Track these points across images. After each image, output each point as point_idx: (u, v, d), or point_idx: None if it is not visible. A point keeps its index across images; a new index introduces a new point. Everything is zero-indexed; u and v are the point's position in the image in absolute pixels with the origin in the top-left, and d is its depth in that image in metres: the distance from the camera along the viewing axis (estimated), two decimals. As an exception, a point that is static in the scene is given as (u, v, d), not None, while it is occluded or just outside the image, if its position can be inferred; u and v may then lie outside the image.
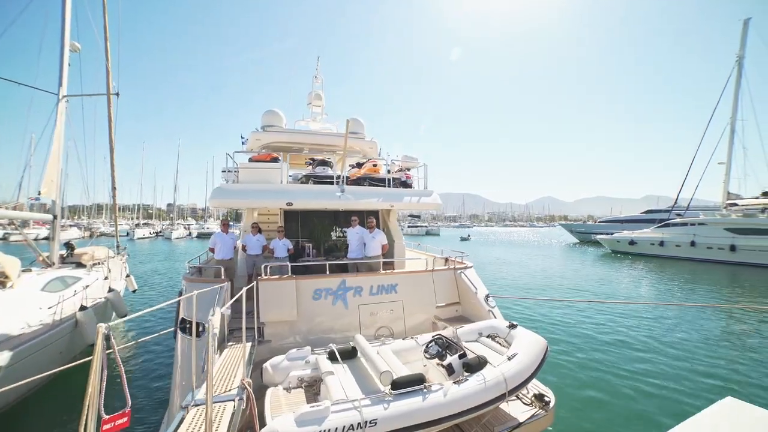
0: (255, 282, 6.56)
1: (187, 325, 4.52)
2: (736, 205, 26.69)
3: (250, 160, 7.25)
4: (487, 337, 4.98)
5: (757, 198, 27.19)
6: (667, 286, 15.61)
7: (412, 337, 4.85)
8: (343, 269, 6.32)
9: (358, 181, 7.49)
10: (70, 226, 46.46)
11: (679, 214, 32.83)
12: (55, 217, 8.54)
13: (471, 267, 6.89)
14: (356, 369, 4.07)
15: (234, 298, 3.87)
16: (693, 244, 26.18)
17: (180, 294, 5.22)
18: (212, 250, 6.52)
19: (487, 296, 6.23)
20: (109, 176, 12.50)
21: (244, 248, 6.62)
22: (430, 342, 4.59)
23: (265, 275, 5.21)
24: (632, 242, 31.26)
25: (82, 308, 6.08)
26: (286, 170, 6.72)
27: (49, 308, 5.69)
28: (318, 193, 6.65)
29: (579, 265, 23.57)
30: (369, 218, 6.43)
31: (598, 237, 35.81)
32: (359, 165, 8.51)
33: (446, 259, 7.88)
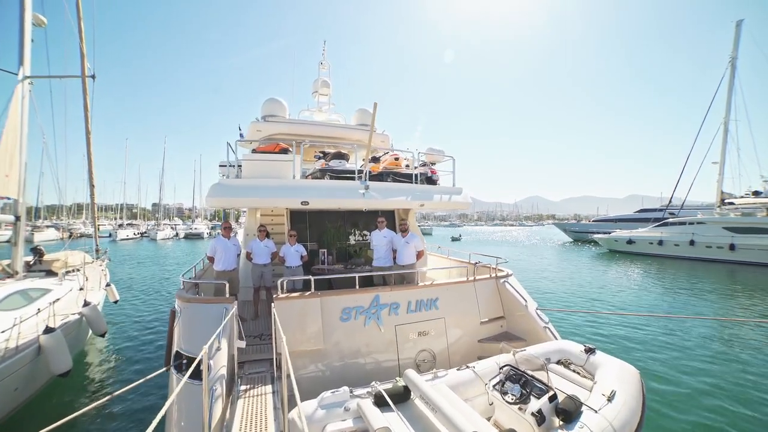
0: (266, 298, 5.50)
1: (184, 362, 3.45)
2: (732, 204, 26.81)
3: (254, 151, 6.18)
4: (558, 363, 4.09)
5: (745, 196, 27.43)
6: (688, 290, 15.11)
7: (467, 366, 3.92)
8: (367, 281, 5.34)
9: (378, 177, 6.49)
10: (47, 226, 43.89)
11: (672, 213, 33.12)
12: (17, 218, 7.24)
13: (512, 274, 6.01)
14: (415, 419, 3.10)
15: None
16: (692, 243, 26.17)
17: (173, 317, 4.13)
18: (211, 259, 5.40)
19: (537, 310, 5.36)
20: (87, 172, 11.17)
21: (249, 256, 5.55)
22: (498, 375, 3.67)
23: (282, 291, 4.17)
24: (630, 241, 31.25)
25: (48, 330, 4.89)
26: (299, 163, 5.65)
27: (1, 333, 4.50)
28: (337, 189, 5.62)
29: (587, 267, 23.10)
30: (402, 221, 5.44)
31: (595, 236, 35.86)
32: (375, 159, 7.53)
33: (474, 265, 7.01)
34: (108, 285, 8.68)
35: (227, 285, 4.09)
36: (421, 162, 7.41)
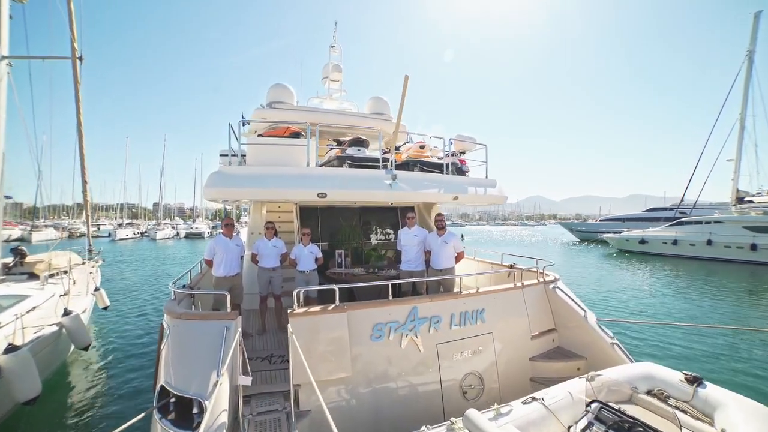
0: (276, 309, 4.64)
1: (172, 401, 2.59)
2: (751, 202, 25.85)
3: (260, 137, 5.32)
4: (650, 394, 3.22)
5: (758, 194, 26.47)
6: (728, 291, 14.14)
7: (534, 398, 3.05)
8: (393, 289, 4.48)
9: (403, 167, 5.63)
10: (46, 226, 43.24)
11: (683, 213, 32.20)
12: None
13: (559, 279, 5.15)
14: None
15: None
16: (709, 242, 25.21)
17: (162, 335, 3.27)
18: (210, 263, 4.50)
19: (598, 322, 4.50)
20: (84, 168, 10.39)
21: (255, 259, 4.70)
22: (584, 415, 2.80)
23: (298, 305, 3.29)
24: (642, 241, 30.31)
25: (10, 349, 4.02)
26: (315, 149, 4.77)
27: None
28: (360, 179, 4.75)
29: (604, 269, 22.18)
30: (438, 217, 4.56)
31: (605, 236, 34.97)
32: (395, 148, 6.67)
33: (510, 267, 6.16)
34: (97, 289, 7.83)
35: (228, 296, 3.22)
36: (447, 151, 6.55)
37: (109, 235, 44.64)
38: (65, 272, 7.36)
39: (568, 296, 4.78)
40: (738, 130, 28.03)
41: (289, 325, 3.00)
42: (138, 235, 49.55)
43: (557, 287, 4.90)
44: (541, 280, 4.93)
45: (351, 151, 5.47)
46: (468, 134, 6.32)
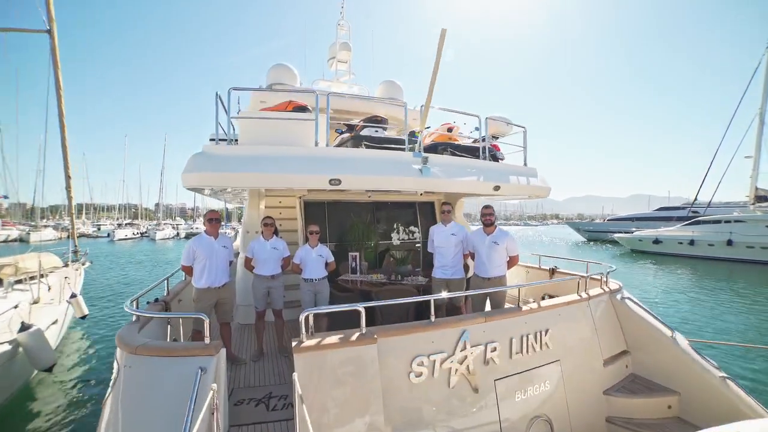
0: (276, 327, 3.71)
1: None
2: (768, 200, 24.76)
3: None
4: None
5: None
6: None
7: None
8: (418, 310, 3.53)
9: (431, 151, 4.64)
10: (45, 226, 42.60)
11: (696, 212, 31.14)
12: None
13: (622, 286, 4.16)
14: None
15: None
16: (730, 243, 24.10)
17: (113, 383, 2.27)
18: (188, 270, 3.45)
19: (690, 344, 3.51)
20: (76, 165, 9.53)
21: (249, 264, 3.72)
22: None
23: (307, 332, 2.29)
24: (657, 241, 29.24)
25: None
26: (326, 125, 3.75)
27: None
28: (383, 163, 3.75)
29: (630, 272, 21.07)
30: (486, 210, 3.52)
31: (616, 236, 33.97)
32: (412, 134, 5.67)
33: (552, 272, 5.22)
34: (74, 296, 6.85)
35: (206, 321, 2.22)
36: (481, 135, 5.54)
37: (108, 235, 44.11)
38: (35, 277, 6.44)
39: (645, 310, 3.79)
40: (757, 126, 26.91)
41: (297, 366, 2.02)
42: (138, 235, 48.91)
43: (626, 298, 3.92)
44: (605, 288, 3.94)
45: (368, 131, 4.49)
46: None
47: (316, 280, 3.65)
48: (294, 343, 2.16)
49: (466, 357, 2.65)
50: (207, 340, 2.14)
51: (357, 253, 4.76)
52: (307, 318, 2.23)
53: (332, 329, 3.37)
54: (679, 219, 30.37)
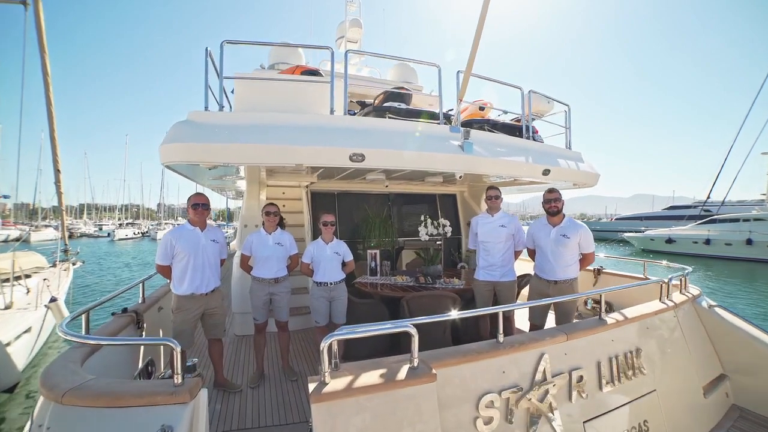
0: (280, 344, 3.04)
1: None
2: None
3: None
4: None
5: None
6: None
7: None
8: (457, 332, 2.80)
9: (467, 127, 3.89)
10: (45, 226, 42.22)
11: (707, 211, 30.35)
12: None
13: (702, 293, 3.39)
14: None
15: None
16: (749, 242, 23.23)
17: None
18: (166, 270, 2.61)
19: None
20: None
21: (246, 264, 2.98)
22: None
23: (329, 362, 1.52)
24: (670, 240, 28.43)
25: None
26: (344, 91, 2.98)
27: None
28: (416, 136, 2.99)
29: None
30: (552, 194, 2.73)
31: (626, 235, 33.23)
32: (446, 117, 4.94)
33: (598, 272, 4.49)
34: (53, 300, 6.12)
35: (177, 351, 1.45)
36: (507, 116, 4.78)
37: (109, 235, 43.56)
38: (10, 280, 5.75)
39: (742, 319, 3.02)
40: (774, 121, 26.03)
41: (315, 421, 1.27)
42: (138, 235, 48.54)
43: (715, 306, 3.15)
44: (687, 294, 3.17)
45: (387, 105, 3.74)
46: None
47: (331, 284, 2.90)
48: (312, 387, 1.39)
49: (546, 392, 1.89)
50: (177, 379, 1.39)
51: (377, 251, 4.00)
52: (330, 346, 1.46)
53: (347, 350, 2.60)
54: (692, 218, 29.59)
